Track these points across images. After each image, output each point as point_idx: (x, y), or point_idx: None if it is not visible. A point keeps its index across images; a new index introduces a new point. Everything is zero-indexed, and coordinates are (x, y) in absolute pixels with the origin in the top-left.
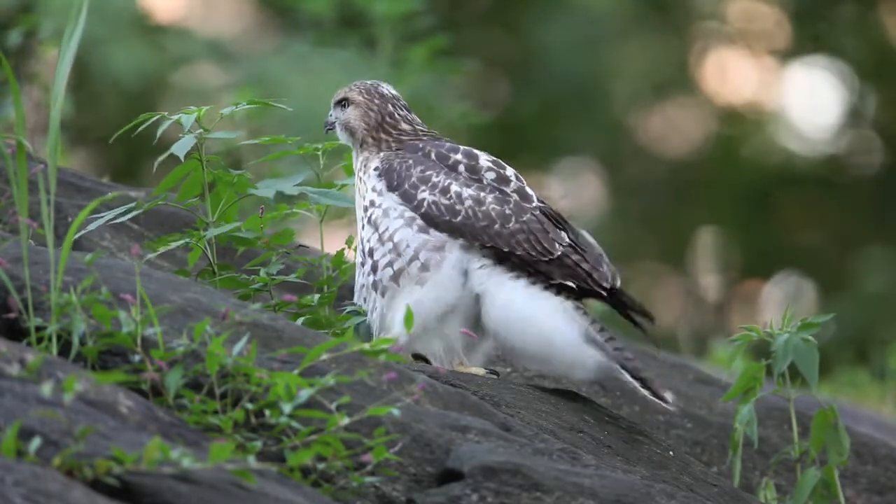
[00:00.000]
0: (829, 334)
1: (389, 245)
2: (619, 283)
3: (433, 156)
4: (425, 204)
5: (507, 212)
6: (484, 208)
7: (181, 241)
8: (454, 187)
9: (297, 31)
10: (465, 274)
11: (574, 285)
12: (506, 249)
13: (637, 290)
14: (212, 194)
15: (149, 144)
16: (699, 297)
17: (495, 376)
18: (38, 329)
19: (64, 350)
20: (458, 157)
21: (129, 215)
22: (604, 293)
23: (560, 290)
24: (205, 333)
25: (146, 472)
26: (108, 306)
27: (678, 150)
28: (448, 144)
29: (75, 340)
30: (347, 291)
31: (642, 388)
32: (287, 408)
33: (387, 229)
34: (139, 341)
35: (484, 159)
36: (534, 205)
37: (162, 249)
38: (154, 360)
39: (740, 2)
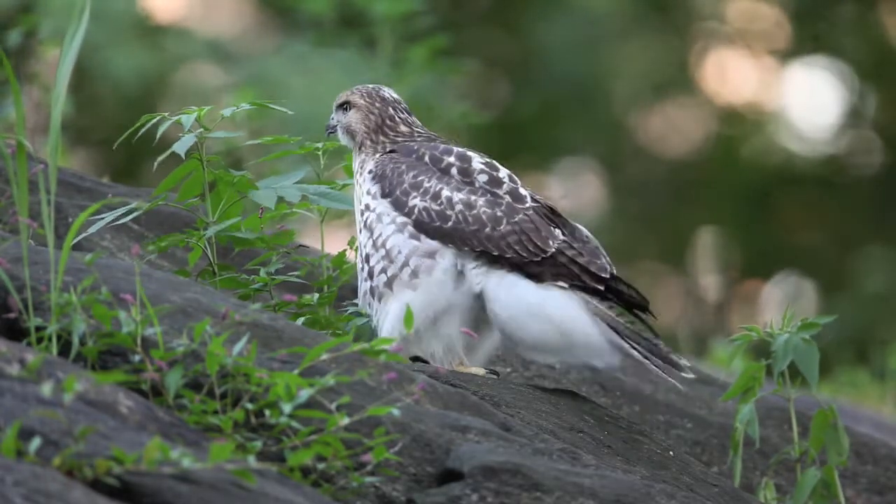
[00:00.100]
0: (830, 334)
1: (382, 252)
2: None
3: (426, 159)
4: (416, 210)
5: (499, 214)
6: (474, 212)
7: (179, 241)
8: (445, 192)
9: (297, 31)
10: (462, 274)
11: (566, 285)
12: (495, 253)
13: (640, 290)
14: (212, 194)
15: (149, 145)
16: (699, 297)
17: (495, 376)
18: (38, 329)
19: (64, 350)
20: (451, 159)
21: (130, 216)
22: (601, 287)
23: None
24: (205, 333)
25: (146, 472)
26: (108, 306)
27: (678, 150)
28: (442, 146)
29: (75, 340)
30: (348, 291)
31: (652, 358)
32: (287, 408)
33: (380, 235)
34: (139, 341)
35: (477, 161)
36: (527, 205)
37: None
38: (154, 360)
39: (740, 2)
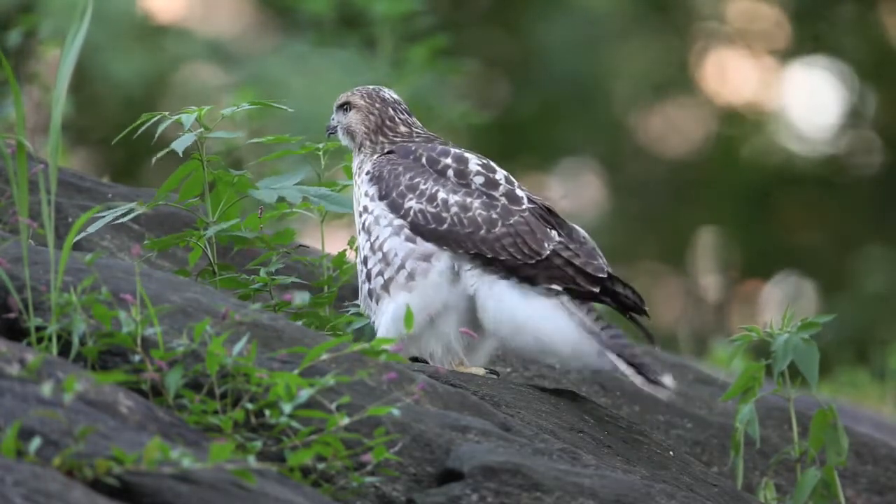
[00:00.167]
0: (830, 334)
1: (380, 255)
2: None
3: (424, 160)
4: (412, 213)
5: (494, 216)
6: (470, 214)
7: (178, 241)
8: (441, 194)
9: (296, 31)
10: (457, 276)
11: (560, 288)
12: (489, 255)
13: (637, 289)
14: (212, 194)
15: (149, 145)
16: (699, 297)
17: (495, 376)
18: (38, 329)
19: (64, 350)
20: (448, 161)
21: (130, 216)
22: (596, 289)
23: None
24: (205, 333)
25: (146, 472)
26: (108, 306)
27: (678, 150)
28: (440, 148)
29: (75, 340)
30: (348, 292)
31: (636, 374)
32: (287, 408)
33: (377, 238)
34: (139, 341)
35: (474, 163)
36: (522, 207)
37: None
38: (154, 360)
39: (740, 2)
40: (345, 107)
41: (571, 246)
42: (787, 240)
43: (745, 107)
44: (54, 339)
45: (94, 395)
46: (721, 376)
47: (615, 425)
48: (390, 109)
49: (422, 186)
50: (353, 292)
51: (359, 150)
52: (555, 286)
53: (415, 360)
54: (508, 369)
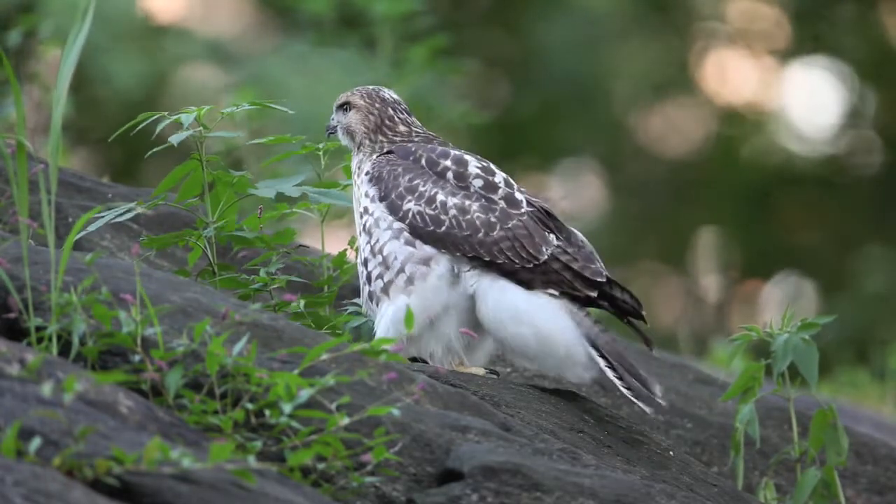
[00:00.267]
0: (829, 334)
1: (380, 258)
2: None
3: (423, 161)
4: (410, 215)
5: (492, 220)
6: (468, 217)
7: (178, 241)
8: (440, 196)
9: (296, 31)
10: (457, 277)
11: (557, 292)
12: (487, 258)
13: (637, 290)
14: (211, 194)
15: (148, 144)
16: (699, 297)
17: (495, 376)
18: (38, 329)
19: (64, 350)
20: (447, 163)
21: (129, 215)
22: (593, 294)
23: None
24: (205, 333)
25: (146, 472)
26: (108, 306)
27: (678, 150)
28: (440, 149)
29: (75, 340)
30: (348, 291)
31: (625, 388)
32: (287, 408)
33: (377, 240)
34: (139, 341)
35: (473, 166)
36: (521, 211)
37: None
38: (154, 360)
39: (740, 2)
40: (344, 107)
41: (569, 250)
42: (787, 240)
43: (745, 107)
44: (54, 339)
45: (94, 395)
46: (721, 376)
47: (615, 425)
48: (390, 109)
49: (421, 188)
50: (353, 292)
51: (358, 149)
52: (552, 290)
53: (414, 360)
54: (508, 369)
